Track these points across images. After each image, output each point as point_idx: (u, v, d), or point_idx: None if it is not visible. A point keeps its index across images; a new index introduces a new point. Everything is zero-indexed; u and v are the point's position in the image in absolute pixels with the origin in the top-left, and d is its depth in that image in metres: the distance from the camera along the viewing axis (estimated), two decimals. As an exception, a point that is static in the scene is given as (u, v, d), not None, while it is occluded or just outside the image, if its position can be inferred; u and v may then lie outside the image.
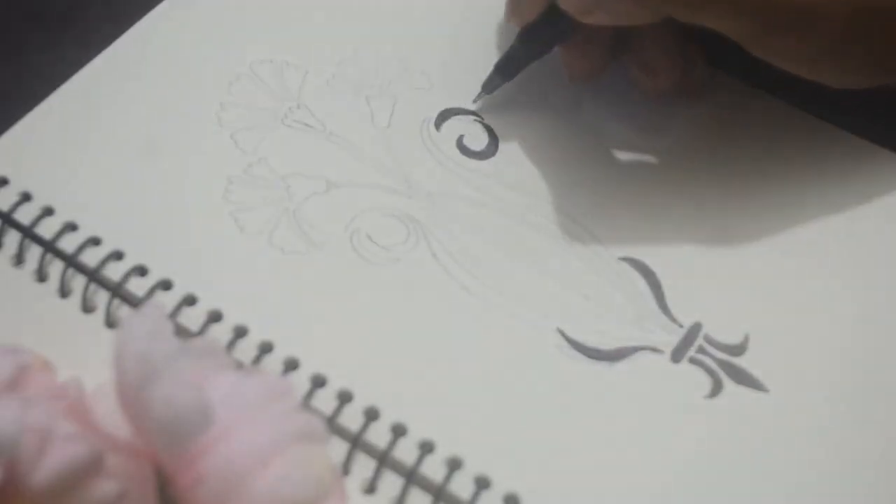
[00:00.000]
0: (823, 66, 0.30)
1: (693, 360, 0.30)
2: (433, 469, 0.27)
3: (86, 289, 0.30)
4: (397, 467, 0.27)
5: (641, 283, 0.31)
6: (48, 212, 0.31)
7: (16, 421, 0.22)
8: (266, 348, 0.29)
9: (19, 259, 0.30)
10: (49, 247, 0.30)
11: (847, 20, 0.28)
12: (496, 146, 0.34)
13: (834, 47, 0.29)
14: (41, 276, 0.30)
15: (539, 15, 0.32)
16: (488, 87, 0.34)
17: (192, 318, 0.29)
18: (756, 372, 0.29)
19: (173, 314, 0.29)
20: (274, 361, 0.29)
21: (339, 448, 0.27)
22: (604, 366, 0.29)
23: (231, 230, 0.31)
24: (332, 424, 0.28)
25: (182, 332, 0.29)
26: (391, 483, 0.27)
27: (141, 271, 0.30)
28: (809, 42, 0.29)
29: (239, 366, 0.28)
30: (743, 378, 0.29)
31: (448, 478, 0.27)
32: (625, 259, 0.32)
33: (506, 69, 0.34)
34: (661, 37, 0.33)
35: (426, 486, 0.27)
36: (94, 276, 0.30)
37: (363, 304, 0.30)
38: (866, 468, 0.28)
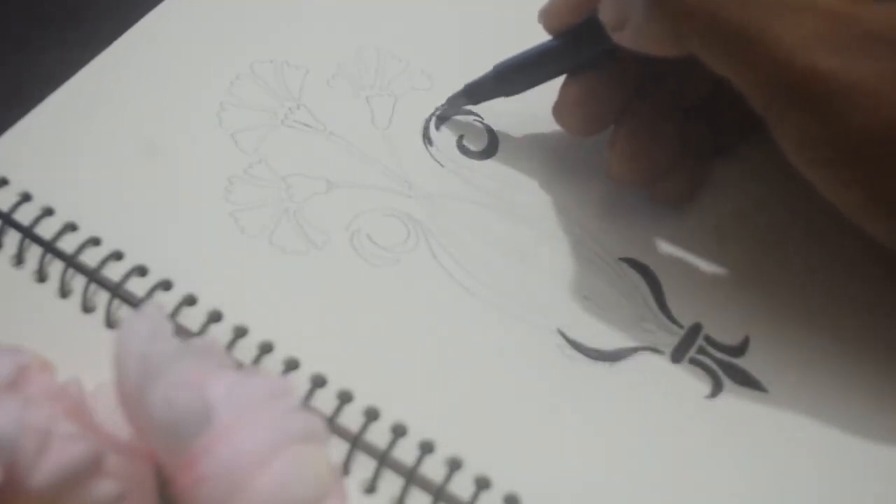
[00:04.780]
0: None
1: (693, 361, 0.30)
2: (433, 469, 0.27)
3: (86, 289, 0.30)
4: (397, 467, 0.27)
5: (641, 284, 0.31)
6: (48, 212, 0.31)
7: (16, 421, 0.22)
8: (266, 348, 0.29)
9: (19, 259, 0.30)
10: (49, 247, 0.30)
11: None
12: (496, 146, 0.34)
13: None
14: (41, 276, 0.30)
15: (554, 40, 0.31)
16: (452, 103, 0.34)
17: (192, 318, 0.29)
18: (756, 372, 0.29)
19: (173, 314, 0.29)
20: (274, 361, 0.29)
21: (339, 448, 0.27)
22: (604, 366, 0.29)
23: (231, 230, 0.31)
24: (332, 424, 0.28)
25: (182, 332, 0.29)
26: (391, 483, 0.27)
27: (141, 271, 0.30)
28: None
29: (239, 366, 0.28)
30: (743, 378, 0.29)
31: (448, 478, 0.27)
32: (625, 259, 0.32)
33: (473, 94, 0.34)
34: (664, 106, 0.31)
35: (426, 486, 0.27)
36: (94, 276, 0.30)
37: (363, 304, 0.30)
38: (866, 468, 0.28)
